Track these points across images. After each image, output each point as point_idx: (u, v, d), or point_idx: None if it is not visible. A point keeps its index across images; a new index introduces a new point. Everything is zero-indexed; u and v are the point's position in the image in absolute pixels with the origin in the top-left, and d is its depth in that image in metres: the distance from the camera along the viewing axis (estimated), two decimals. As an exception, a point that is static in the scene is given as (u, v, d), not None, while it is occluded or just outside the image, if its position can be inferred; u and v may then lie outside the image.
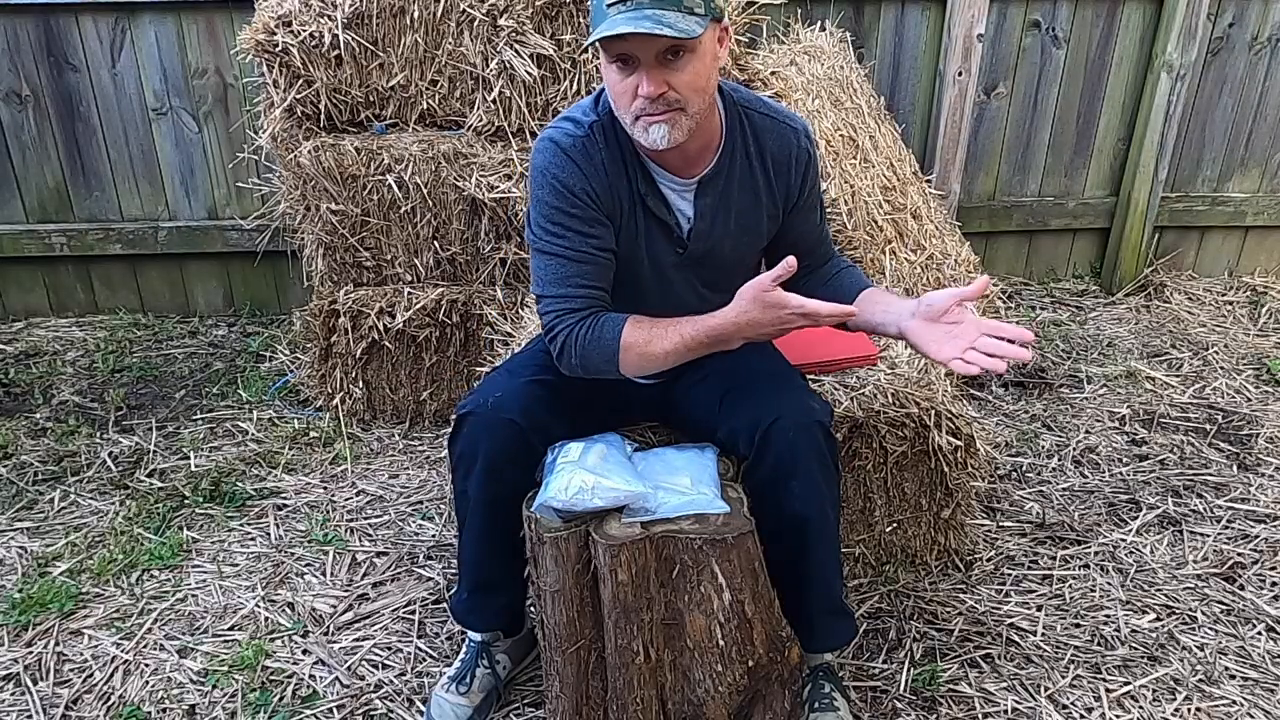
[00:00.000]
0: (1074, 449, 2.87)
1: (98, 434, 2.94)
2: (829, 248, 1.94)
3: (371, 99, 2.77)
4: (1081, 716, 1.98)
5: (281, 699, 2.01)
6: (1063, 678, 2.07)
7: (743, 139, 1.76)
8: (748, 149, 1.77)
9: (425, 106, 2.79)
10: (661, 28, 1.49)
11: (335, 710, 1.99)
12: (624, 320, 1.69)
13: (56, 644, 2.14)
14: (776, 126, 1.78)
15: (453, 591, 2.22)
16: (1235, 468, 2.80)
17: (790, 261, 1.56)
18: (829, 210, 2.92)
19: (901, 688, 2.04)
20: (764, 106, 1.80)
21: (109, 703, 2.00)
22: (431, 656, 2.12)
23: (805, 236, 1.88)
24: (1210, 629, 2.21)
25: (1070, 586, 2.33)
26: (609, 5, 1.53)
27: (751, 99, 1.80)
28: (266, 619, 2.22)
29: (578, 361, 1.71)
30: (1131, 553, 2.45)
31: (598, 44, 1.54)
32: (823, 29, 3.49)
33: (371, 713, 1.99)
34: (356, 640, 2.17)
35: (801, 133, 1.80)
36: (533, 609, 1.95)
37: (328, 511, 2.59)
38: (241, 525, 2.53)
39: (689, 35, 1.51)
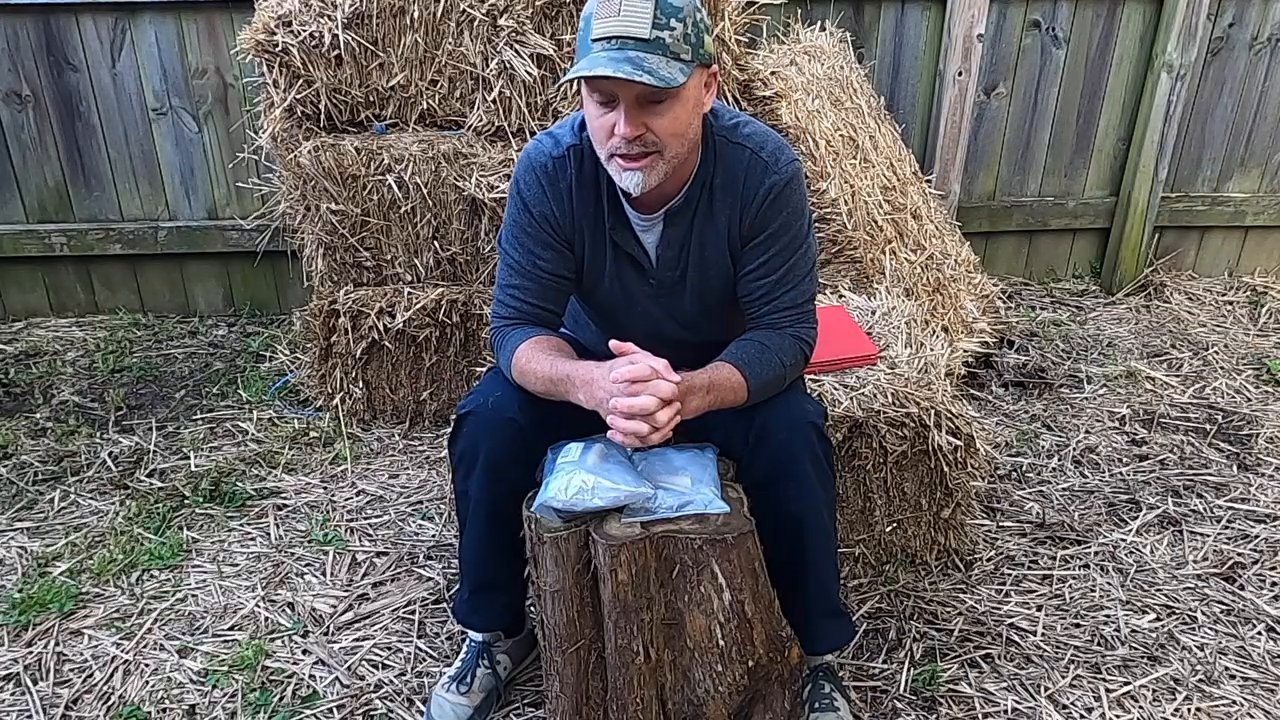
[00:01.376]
0: (1074, 449, 2.87)
1: (98, 434, 2.94)
2: (773, 312, 1.75)
3: (371, 99, 2.77)
4: (1081, 716, 1.98)
5: (281, 699, 2.01)
6: (1063, 678, 2.07)
7: (714, 168, 1.70)
8: (715, 179, 1.71)
9: (425, 106, 2.79)
10: (641, 74, 1.47)
11: (335, 710, 1.99)
12: (528, 337, 1.73)
13: (56, 644, 2.14)
14: (747, 158, 1.69)
15: (453, 591, 2.22)
16: (1235, 468, 2.80)
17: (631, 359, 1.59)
18: (829, 211, 2.92)
19: (901, 688, 2.04)
20: (743, 135, 1.71)
21: (109, 703, 2.00)
22: (431, 656, 2.12)
23: (750, 280, 1.75)
24: (1210, 629, 2.21)
25: (1070, 586, 2.33)
26: (594, 40, 1.51)
27: (732, 127, 1.71)
28: (266, 619, 2.22)
29: (496, 361, 1.80)
30: (1131, 553, 2.45)
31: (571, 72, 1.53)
32: (823, 29, 3.49)
33: (371, 713, 1.99)
34: (356, 640, 2.16)
35: (773, 169, 1.68)
36: (533, 609, 1.95)
37: (328, 511, 2.59)
38: (241, 525, 2.53)
39: (669, 84, 1.48)
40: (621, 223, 1.75)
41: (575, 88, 2.72)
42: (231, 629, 2.20)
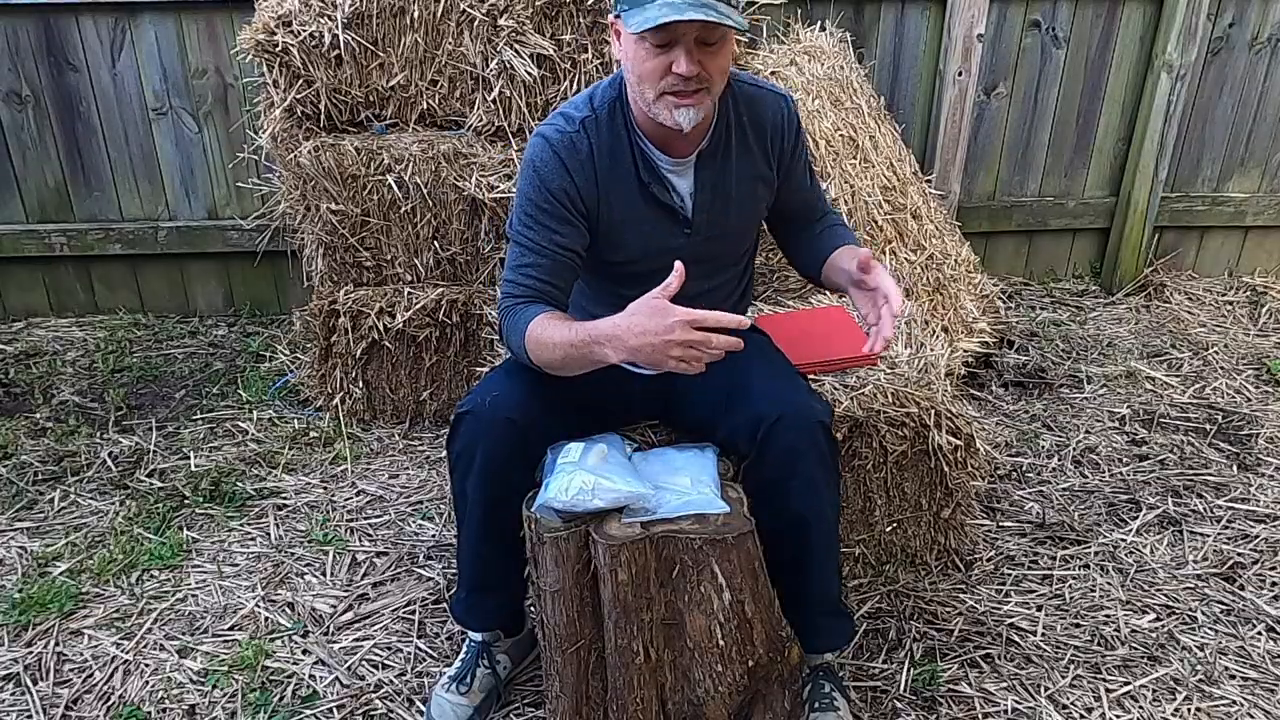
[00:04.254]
0: (1074, 449, 2.87)
1: (98, 434, 2.94)
2: (819, 206, 2.06)
3: (371, 99, 2.77)
4: (1081, 716, 1.98)
5: (281, 699, 2.02)
6: (1063, 678, 2.07)
7: (735, 112, 1.82)
8: (740, 120, 1.83)
9: (425, 106, 2.79)
10: (722, 17, 1.57)
11: (335, 710, 1.99)
12: (540, 312, 1.71)
13: (56, 644, 2.14)
14: (764, 96, 1.86)
15: (452, 591, 2.22)
16: (1235, 468, 2.80)
17: (679, 269, 1.56)
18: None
19: (901, 688, 2.04)
20: (748, 79, 1.88)
21: (109, 703, 2.01)
22: (431, 656, 2.12)
23: (796, 198, 1.99)
24: (1210, 629, 2.21)
25: (1070, 586, 2.33)
26: None
27: (750, 77, 1.90)
28: (266, 619, 2.22)
29: (506, 344, 1.77)
30: (1131, 553, 2.45)
31: (634, 22, 1.58)
32: (823, 29, 3.48)
33: (371, 713, 1.99)
34: (356, 640, 2.17)
35: (785, 100, 1.89)
36: (533, 609, 1.95)
37: (328, 511, 2.59)
38: (241, 525, 2.53)
39: (740, 26, 1.61)
40: (654, 175, 1.79)
41: (577, 87, 2.72)
42: (231, 629, 2.20)
